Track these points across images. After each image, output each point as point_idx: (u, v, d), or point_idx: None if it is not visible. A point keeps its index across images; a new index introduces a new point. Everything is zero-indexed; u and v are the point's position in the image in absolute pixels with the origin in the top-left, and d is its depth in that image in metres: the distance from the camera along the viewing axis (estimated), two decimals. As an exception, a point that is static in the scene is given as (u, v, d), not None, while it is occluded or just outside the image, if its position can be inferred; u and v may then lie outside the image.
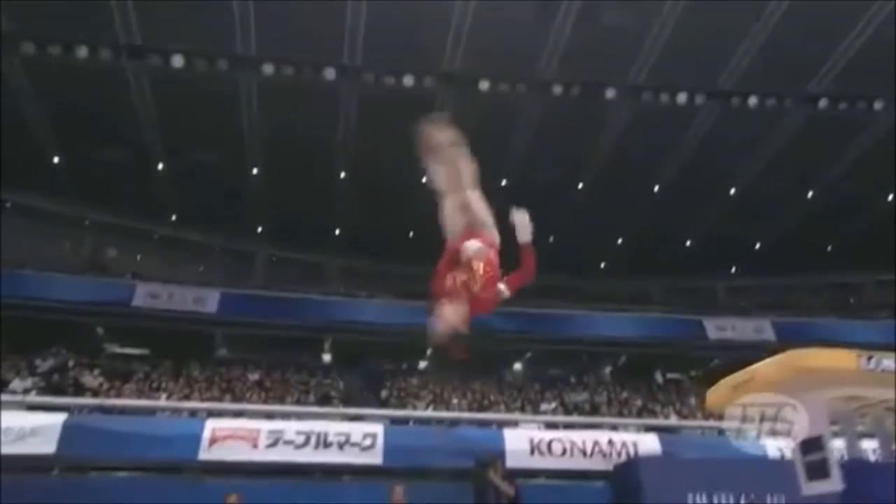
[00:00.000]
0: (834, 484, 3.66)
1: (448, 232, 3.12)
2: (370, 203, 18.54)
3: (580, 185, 18.56)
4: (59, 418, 7.59)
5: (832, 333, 15.51)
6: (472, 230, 3.06)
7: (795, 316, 18.20)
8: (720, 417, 9.89)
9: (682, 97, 15.23)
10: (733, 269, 22.47)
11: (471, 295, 2.93)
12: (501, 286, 2.95)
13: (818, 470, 3.25)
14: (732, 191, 18.59)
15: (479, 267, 2.94)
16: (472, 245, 2.90)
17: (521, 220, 3.16)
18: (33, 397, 9.26)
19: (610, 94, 15.38)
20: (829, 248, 20.92)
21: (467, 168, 3.07)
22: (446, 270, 2.95)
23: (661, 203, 18.85)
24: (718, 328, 17.49)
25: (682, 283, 21.53)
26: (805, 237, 19.77)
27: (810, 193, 18.57)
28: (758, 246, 21.26)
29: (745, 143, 16.73)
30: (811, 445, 3.17)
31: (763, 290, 21.05)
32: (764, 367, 3.31)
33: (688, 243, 21.14)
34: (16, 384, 10.58)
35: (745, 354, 15.48)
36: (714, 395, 3.83)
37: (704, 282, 21.78)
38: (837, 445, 3.70)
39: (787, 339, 15.33)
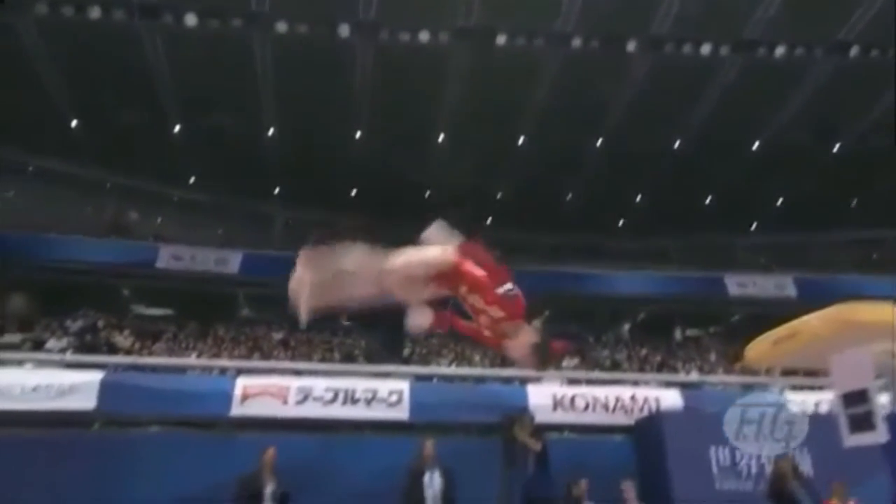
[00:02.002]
0: (879, 436, 3.69)
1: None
2: (386, 163, 18.45)
3: (599, 142, 18.27)
4: (96, 376, 7.83)
5: (855, 289, 15.35)
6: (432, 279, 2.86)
7: (818, 272, 18.02)
8: (756, 372, 9.97)
9: (706, 48, 14.80)
10: (754, 226, 22.21)
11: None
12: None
13: (862, 422, 3.27)
14: (755, 145, 18.22)
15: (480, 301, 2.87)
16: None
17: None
18: (70, 356, 9.57)
19: (631, 46, 14.99)
20: (853, 202, 20.55)
21: (362, 268, 2.75)
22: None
23: (681, 159, 18.56)
24: (739, 285, 17.42)
25: (701, 240, 21.32)
26: (829, 192, 19.40)
27: (836, 147, 18.14)
28: (780, 201, 20.94)
29: (770, 96, 16.30)
30: (855, 398, 3.19)
31: (784, 247, 20.80)
32: (809, 322, 3.30)
33: (708, 200, 20.87)
34: (52, 344, 10.93)
35: (766, 311, 15.62)
36: (754, 350, 3.85)
37: (724, 239, 21.56)
38: (883, 400, 3.71)
39: (809, 296, 15.27)
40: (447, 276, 2.78)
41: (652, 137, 17.80)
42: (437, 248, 2.72)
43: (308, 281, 2.64)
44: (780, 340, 3.48)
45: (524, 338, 2.88)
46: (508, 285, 2.78)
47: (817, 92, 15.78)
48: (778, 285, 17.30)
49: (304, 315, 2.67)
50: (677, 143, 18.23)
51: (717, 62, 15.27)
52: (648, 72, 15.43)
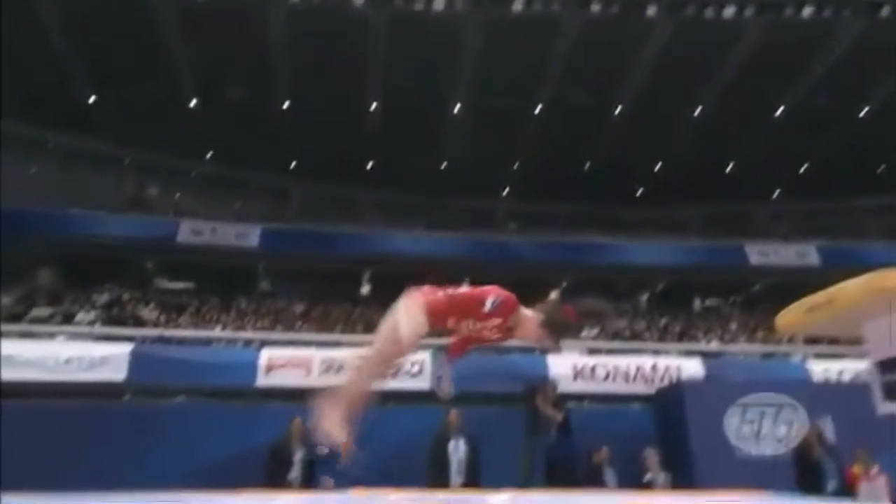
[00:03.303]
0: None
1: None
2: (401, 134, 18.35)
3: (617, 110, 17.97)
4: (125, 348, 8.04)
5: (881, 257, 15.10)
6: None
7: (842, 240, 17.71)
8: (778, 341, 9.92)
9: (729, 11, 14.38)
10: (776, 194, 21.84)
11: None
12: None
13: (898, 390, 3.26)
14: (779, 111, 17.80)
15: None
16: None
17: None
18: (100, 329, 9.79)
19: (651, 10, 14.62)
20: (880, 168, 20.08)
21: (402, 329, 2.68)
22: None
23: (701, 126, 18.22)
24: (761, 254, 17.21)
25: (721, 208, 21.04)
26: (854, 158, 18.96)
27: (863, 111, 17.67)
28: (804, 168, 20.53)
29: (795, 59, 15.84)
30: (891, 365, 3.17)
31: (807, 215, 20.45)
32: (845, 289, 3.26)
33: (729, 168, 20.53)
34: (80, 317, 11.19)
35: (788, 280, 15.46)
36: (786, 317, 3.81)
37: (745, 207, 21.25)
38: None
39: (833, 264, 15.05)
40: (431, 322, 2.79)
41: (672, 104, 17.47)
42: (401, 319, 2.68)
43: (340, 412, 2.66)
44: (815, 308, 3.45)
45: (529, 324, 2.87)
46: (491, 298, 2.78)
47: (845, 54, 15.30)
48: (800, 254, 17.07)
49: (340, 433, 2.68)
50: (698, 110, 17.88)
51: (740, 25, 14.84)
52: (669, 36, 15.06)
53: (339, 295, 17.06)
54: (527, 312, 2.88)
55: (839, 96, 16.99)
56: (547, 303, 2.92)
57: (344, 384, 2.74)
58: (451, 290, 2.89)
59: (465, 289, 2.92)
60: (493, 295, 2.78)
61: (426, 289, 2.86)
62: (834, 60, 15.59)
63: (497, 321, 2.82)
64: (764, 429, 7.60)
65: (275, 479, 6.19)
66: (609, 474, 7.27)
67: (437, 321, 2.81)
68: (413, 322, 2.67)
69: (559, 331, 2.88)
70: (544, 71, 16.25)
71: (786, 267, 16.86)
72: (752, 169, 19.83)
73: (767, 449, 7.48)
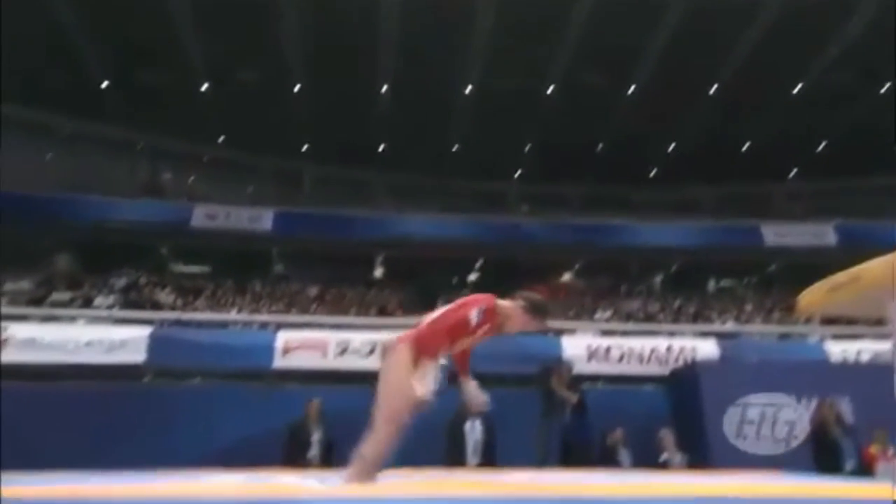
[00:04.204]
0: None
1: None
2: (413, 117, 18.26)
3: (631, 90, 17.74)
4: (144, 331, 8.14)
5: (900, 236, 14.86)
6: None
7: (860, 219, 17.44)
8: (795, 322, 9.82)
9: (745, -13, 14.08)
10: (793, 173, 21.53)
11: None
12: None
13: (920, 370, 3.23)
14: (796, 88, 17.48)
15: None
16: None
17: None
18: (118, 312, 9.93)
19: (666, -13, 14.35)
20: (899, 146, 19.70)
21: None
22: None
23: (716, 106, 17.94)
24: (777, 234, 17.02)
25: (736, 189, 20.80)
26: (873, 136, 18.59)
27: (883, 88, 17.29)
28: (821, 146, 20.19)
29: (813, 35, 15.49)
30: (916, 344, 3.15)
31: (824, 194, 20.16)
32: (870, 268, 3.21)
33: (745, 147, 20.25)
34: (99, 301, 11.35)
35: (804, 260, 15.29)
36: (809, 296, 3.77)
37: (760, 187, 20.98)
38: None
39: (851, 244, 14.86)
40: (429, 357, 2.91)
41: (686, 83, 17.19)
42: (402, 378, 2.78)
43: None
44: (838, 287, 3.40)
45: (515, 315, 2.98)
46: (474, 312, 2.85)
47: (864, 29, 14.94)
48: (817, 234, 16.86)
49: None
50: (713, 89, 17.59)
51: (756, 1, 14.52)
52: (684, 13, 14.78)
53: (353, 278, 17.14)
54: (507, 305, 2.98)
55: (858, 73, 16.64)
56: (526, 292, 3.05)
57: (366, 448, 2.81)
58: (430, 321, 2.97)
59: (441, 311, 3.02)
60: (473, 308, 2.87)
61: (408, 333, 2.95)
62: (852, 36, 15.24)
63: (486, 327, 2.94)
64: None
65: (293, 458, 6.28)
66: (623, 455, 7.30)
67: (432, 353, 2.89)
68: (419, 379, 2.74)
69: (543, 312, 3.03)
70: (556, 51, 16.05)
71: (802, 247, 16.68)
72: (768, 148, 19.54)
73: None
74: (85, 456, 5.26)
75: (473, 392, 3.15)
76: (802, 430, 7.20)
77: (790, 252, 16.93)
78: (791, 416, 7.46)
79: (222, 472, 3.70)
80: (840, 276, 3.44)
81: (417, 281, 16.48)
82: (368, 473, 2.76)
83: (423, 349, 2.87)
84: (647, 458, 7.14)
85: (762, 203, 20.25)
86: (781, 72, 16.81)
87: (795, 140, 19.51)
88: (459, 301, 3.01)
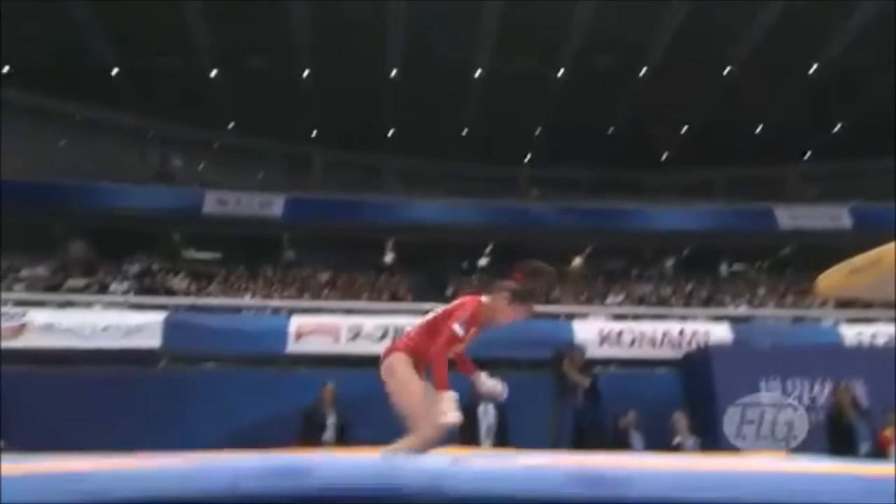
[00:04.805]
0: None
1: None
2: (422, 101, 18.15)
3: (642, 72, 17.52)
4: (159, 316, 8.22)
5: (917, 219, 14.66)
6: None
7: (876, 202, 17.19)
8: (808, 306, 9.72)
9: (763, -37, 13.80)
10: (807, 155, 21.24)
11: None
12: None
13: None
14: (812, 69, 17.19)
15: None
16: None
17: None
18: (133, 298, 10.03)
19: (680, -34, 14.10)
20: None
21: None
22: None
23: (730, 87, 17.68)
24: (791, 217, 16.82)
25: (749, 172, 20.56)
26: (890, 117, 18.26)
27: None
28: (837, 128, 19.88)
29: (828, 17, 15.20)
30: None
31: (839, 176, 19.88)
32: (891, 250, 3.17)
33: (758, 129, 19.98)
34: (114, 287, 11.48)
35: (819, 243, 15.12)
36: (828, 279, 3.73)
37: (774, 170, 20.72)
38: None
39: (866, 227, 14.69)
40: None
41: (699, 65, 16.95)
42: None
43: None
44: (859, 270, 3.36)
45: (501, 308, 3.02)
46: (458, 323, 2.93)
47: (879, 10, 14.63)
48: (832, 216, 16.64)
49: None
50: (726, 70, 17.34)
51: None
52: (698, -7, 14.55)
53: (364, 263, 17.17)
54: (492, 300, 3.05)
55: (873, 54, 16.31)
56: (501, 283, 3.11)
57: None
58: (418, 329, 3.07)
59: (429, 319, 3.09)
60: (457, 318, 2.88)
61: (398, 342, 3.06)
62: (868, 17, 14.94)
63: (473, 330, 3.01)
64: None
65: (309, 440, 6.36)
66: (636, 438, 7.32)
67: (426, 357, 2.97)
68: (444, 405, 2.78)
69: (527, 299, 3.08)
70: (566, 33, 15.85)
71: (817, 230, 16.48)
72: (782, 130, 19.27)
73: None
74: (102, 439, 5.36)
75: (489, 383, 3.18)
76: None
77: (804, 235, 16.75)
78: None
79: (239, 454, 3.75)
80: (860, 259, 3.40)
81: (428, 266, 16.48)
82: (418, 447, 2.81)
83: (418, 356, 2.97)
84: (660, 442, 7.15)
85: (776, 186, 20.00)
86: (796, 53, 16.53)
87: (810, 122, 19.22)
88: (446, 310, 3.04)
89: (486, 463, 2.69)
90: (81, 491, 1.91)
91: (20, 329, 7.66)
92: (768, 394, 7.59)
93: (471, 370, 3.18)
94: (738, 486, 1.85)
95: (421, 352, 2.97)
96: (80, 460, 2.57)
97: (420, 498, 1.82)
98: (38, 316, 7.97)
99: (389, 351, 3.01)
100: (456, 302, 3.09)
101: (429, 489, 1.86)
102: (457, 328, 2.91)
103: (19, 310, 8.03)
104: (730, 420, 7.52)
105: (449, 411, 2.78)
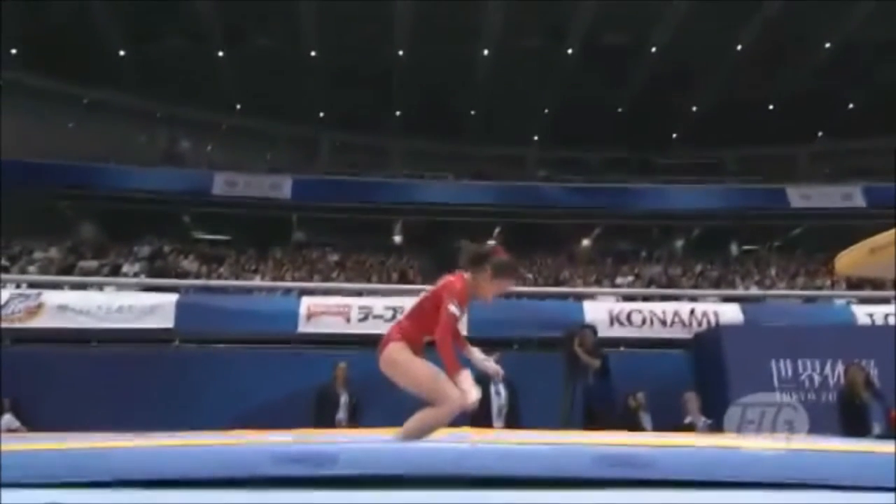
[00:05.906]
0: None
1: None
2: (429, 82, 18.00)
3: (653, 50, 17.27)
4: (171, 298, 8.25)
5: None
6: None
7: (889, 181, 16.98)
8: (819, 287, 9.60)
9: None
10: (819, 134, 20.95)
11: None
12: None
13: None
14: (825, 46, 16.88)
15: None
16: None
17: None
18: (146, 279, 10.09)
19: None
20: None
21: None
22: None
23: (741, 65, 17.43)
24: (803, 196, 16.66)
25: (760, 151, 20.33)
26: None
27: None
28: (850, 106, 19.57)
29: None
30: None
31: (852, 155, 19.61)
32: (914, 229, 3.13)
33: (770, 107, 19.71)
34: (127, 268, 11.56)
35: (832, 223, 15.00)
36: (847, 257, 3.69)
37: (785, 149, 20.48)
38: None
39: (880, 205, 14.51)
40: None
41: (711, 43, 16.69)
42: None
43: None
44: (879, 248, 3.31)
45: (485, 283, 2.99)
46: (452, 304, 2.89)
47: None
48: (845, 196, 16.47)
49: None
50: (739, 48, 17.06)
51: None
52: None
53: (372, 244, 17.20)
54: (474, 277, 2.99)
55: (886, 32, 15.99)
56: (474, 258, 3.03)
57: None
58: (410, 314, 3.07)
59: (419, 304, 3.08)
60: (448, 298, 2.88)
61: (393, 331, 3.01)
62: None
63: (463, 307, 2.99)
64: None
65: (322, 420, 6.41)
66: (645, 419, 7.32)
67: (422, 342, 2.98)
68: (464, 385, 2.77)
69: (509, 271, 3.08)
70: (576, 11, 15.62)
71: (829, 209, 16.34)
72: (794, 109, 18.99)
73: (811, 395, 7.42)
74: (117, 418, 5.42)
75: (484, 362, 3.18)
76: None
77: (817, 215, 16.61)
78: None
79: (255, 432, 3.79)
80: (881, 238, 3.36)
81: (436, 247, 16.47)
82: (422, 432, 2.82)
83: (413, 341, 2.96)
84: (670, 422, 7.16)
85: (787, 165, 19.79)
86: (808, 31, 16.24)
87: (822, 100, 18.93)
88: (434, 291, 3.03)
89: (508, 442, 2.71)
90: (105, 469, 1.94)
91: (37, 309, 7.73)
92: (768, 394, 7.57)
93: (463, 346, 3.19)
94: (763, 464, 1.85)
95: (415, 337, 2.98)
96: (105, 438, 2.61)
97: (447, 477, 1.83)
98: (53, 297, 8.03)
99: (384, 344, 3.01)
100: (441, 282, 3.07)
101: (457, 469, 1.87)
102: (453, 309, 2.91)
103: (34, 291, 8.10)
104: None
105: (471, 389, 2.79)
